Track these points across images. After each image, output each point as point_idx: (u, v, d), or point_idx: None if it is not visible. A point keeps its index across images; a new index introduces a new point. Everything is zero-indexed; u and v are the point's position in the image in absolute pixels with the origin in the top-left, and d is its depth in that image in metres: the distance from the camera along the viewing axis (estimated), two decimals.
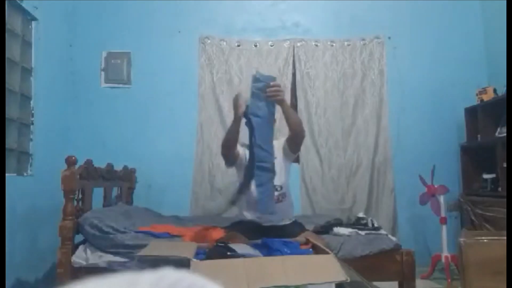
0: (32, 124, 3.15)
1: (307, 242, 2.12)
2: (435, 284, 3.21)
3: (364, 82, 3.95)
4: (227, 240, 2.04)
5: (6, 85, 2.81)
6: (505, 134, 3.30)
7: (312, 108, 3.89)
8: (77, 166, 2.46)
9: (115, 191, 3.29)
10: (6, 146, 2.79)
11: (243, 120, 2.09)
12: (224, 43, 3.94)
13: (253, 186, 2.10)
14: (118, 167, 3.30)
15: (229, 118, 3.77)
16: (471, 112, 3.73)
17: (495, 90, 3.55)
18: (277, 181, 2.17)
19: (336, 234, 2.51)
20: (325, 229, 2.59)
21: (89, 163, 2.71)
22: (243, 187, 2.13)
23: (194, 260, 1.60)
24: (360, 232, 2.54)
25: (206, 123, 3.84)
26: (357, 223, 2.79)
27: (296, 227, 2.34)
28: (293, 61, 3.95)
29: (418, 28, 4.03)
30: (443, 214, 3.36)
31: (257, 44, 3.95)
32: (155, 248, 1.88)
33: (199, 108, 3.86)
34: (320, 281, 1.42)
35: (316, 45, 3.96)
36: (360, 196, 3.80)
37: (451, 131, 3.94)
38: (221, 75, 3.89)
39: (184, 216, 3.30)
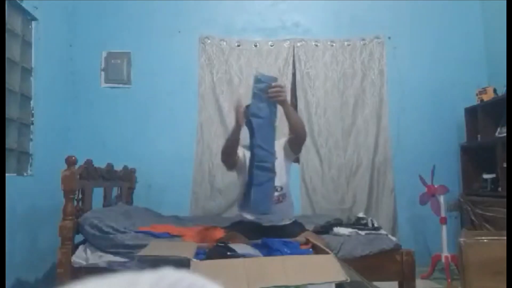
0: (32, 124, 3.15)
1: (307, 242, 2.12)
2: (435, 284, 3.21)
3: (364, 82, 3.95)
4: (227, 240, 2.04)
5: (6, 85, 2.81)
6: (505, 134, 3.30)
7: (312, 108, 3.89)
8: (77, 166, 2.46)
9: (115, 191, 3.29)
10: (6, 146, 2.79)
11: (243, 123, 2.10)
12: (224, 43, 3.94)
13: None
14: (118, 167, 3.30)
15: (229, 118, 3.79)
16: (471, 112, 3.73)
17: (495, 90, 3.55)
18: (278, 181, 2.17)
19: (336, 234, 2.50)
20: (325, 229, 2.58)
21: (89, 163, 2.71)
22: (249, 188, 2.13)
23: (194, 260, 1.60)
24: (360, 232, 2.54)
25: (206, 123, 3.84)
26: (357, 223, 2.79)
27: (296, 227, 2.34)
28: (293, 61, 3.95)
29: (418, 28, 4.03)
30: (443, 214, 3.36)
31: (257, 44, 3.95)
32: (155, 248, 1.88)
33: (199, 108, 3.86)
34: (320, 281, 1.42)
35: (316, 45, 3.97)
36: (360, 196, 3.80)
37: (451, 131, 3.94)
38: (221, 75, 3.89)
39: (184, 216, 3.30)
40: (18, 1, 2.94)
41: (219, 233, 2.39)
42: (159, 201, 3.59)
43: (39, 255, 3.00)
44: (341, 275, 1.41)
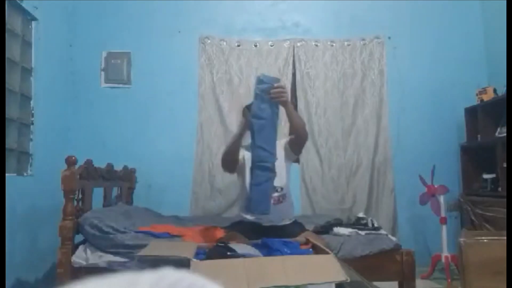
0: (32, 124, 3.15)
1: (307, 242, 2.12)
2: (435, 284, 3.21)
3: (364, 82, 3.95)
4: (227, 240, 2.04)
5: (6, 85, 2.81)
6: (505, 134, 3.30)
7: (312, 108, 3.89)
8: (77, 166, 2.46)
9: (115, 191, 3.29)
10: (6, 146, 2.79)
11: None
12: (224, 43, 3.94)
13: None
14: (118, 167, 3.30)
15: (229, 118, 3.80)
16: (471, 112, 3.73)
17: (495, 90, 3.55)
18: (278, 182, 2.17)
19: (336, 234, 2.50)
20: (325, 229, 2.58)
21: (89, 163, 2.71)
22: (250, 189, 2.13)
23: (194, 260, 1.60)
24: (360, 232, 2.54)
25: (206, 123, 3.84)
26: (357, 223, 2.79)
27: (296, 227, 2.34)
28: (293, 61, 3.95)
29: (418, 28, 4.03)
30: (443, 214, 3.36)
31: (257, 44, 3.95)
32: (155, 248, 1.88)
33: (199, 108, 3.86)
34: (320, 281, 1.42)
35: (316, 45, 3.96)
36: (360, 196, 3.80)
37: (451, 131, 3.94)
38: (221, 75, 3.89)
39: (184, 216, 3.30)
40: (18, 1, 2.94)
41: (219, 233, 2.39)
42: (159, 201, 3.59)
43: (39, 255, 3.00)
44: (341, 275, 1.41)
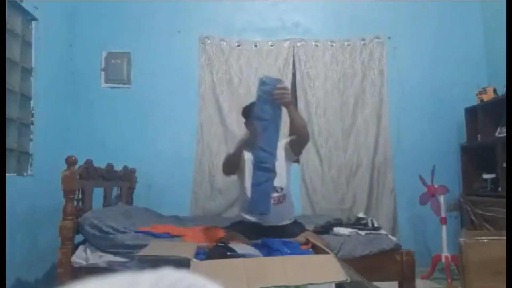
0: (32, 124, 3.15)
1: (307, 242, 2.12)
2: (435, 284, 3.21)
3: (364, 82, 3.95)
4: (227, 240, 2.04)
5: (6, 85, 2.81)
6: (505, 134, 3.30)
7: (312, 108, 3.89)
8: (77, 166, 2.46)
9: (115, 191, 3.29)
10: (6, 146, 2.79)
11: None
12: (224, 43, 3.94)
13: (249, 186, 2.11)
14: (118, 167, 3.29)
15: (229, 118, 3.80)
16: (471, 112, 3.73)
17: (495, 90, 3.55)
18: (278, 182, 2.17)
19: (336, 234, 2.50)
20: (325, 229, 2.58)
21: (89, 163, 2.71)
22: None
23: (194, 260, 1.60)
24: (360, 232, 2.54)
25: (206, 123, 3.84)
26: (357, 223, 2.79)
27: (296, 227, 2.35)
28: (293, 61, 3.95)
29: (418, 28, 4.03)
30: (443, 214, 3.36)
31: (257, 44, 3.95)
32: (155, 248, 1.88)
33: (199, 108, 3.86)
34: (320, 281, 1.42)
35: (316, 45, 3.96)
36: (360, 196, 3.80)
37: (451, 131, 3.94)
38: (221, 75, 3.89)
39: (184, 216, 3.30)
40: (18, 1, 2.94)
41: (219, 233, 2.39)
42: (159, 201, 3.59)
43: (39, 255, 3.00)
44: (341, 275, 1.41)
